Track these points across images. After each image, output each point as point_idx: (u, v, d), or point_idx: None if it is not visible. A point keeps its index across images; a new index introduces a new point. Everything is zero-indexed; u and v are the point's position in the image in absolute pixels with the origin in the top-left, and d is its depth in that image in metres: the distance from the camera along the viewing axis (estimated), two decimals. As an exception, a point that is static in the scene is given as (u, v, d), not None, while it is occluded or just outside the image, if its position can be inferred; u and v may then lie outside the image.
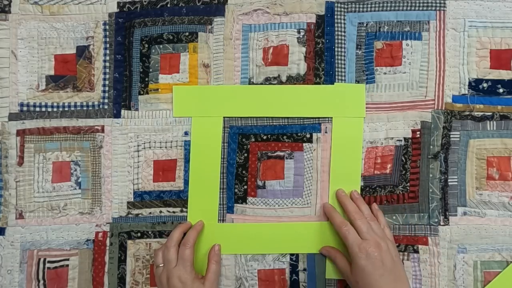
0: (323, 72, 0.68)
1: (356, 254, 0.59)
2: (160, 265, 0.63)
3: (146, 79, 0.70)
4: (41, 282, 0.69)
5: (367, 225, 0.62)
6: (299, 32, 0.69)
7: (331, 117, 0.68)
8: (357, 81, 0.68)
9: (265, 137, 0.69)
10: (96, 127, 0.70)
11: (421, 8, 0.68)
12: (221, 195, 0.69)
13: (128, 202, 0.70)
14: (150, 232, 0.69)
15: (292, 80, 0.69)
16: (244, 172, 0.69)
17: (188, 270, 0.62)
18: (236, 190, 0.69)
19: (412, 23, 0.68)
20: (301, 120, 0.68)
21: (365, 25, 0.68)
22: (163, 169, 0.70)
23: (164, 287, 0.62)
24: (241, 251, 0.68)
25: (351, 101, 0.68)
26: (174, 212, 0.69)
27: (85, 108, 0.70)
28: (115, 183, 0.70)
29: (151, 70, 0.70)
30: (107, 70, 0.70)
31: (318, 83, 0.68)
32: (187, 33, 0.70)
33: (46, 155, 0.70)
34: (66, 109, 0.70)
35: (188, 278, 0.61)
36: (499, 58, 0.67)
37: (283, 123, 0.69)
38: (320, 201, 0.68)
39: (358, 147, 0.67)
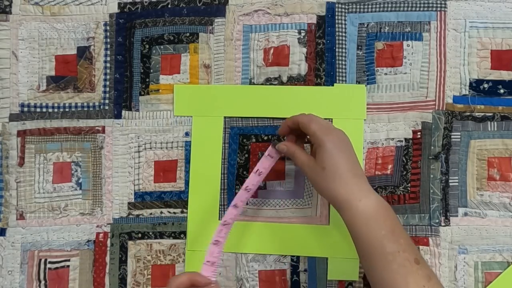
0: (324, 73, 0.68)
1: (321, 136, 0.55)
2: None
3: (147, 79, 0.70)
4: (42, 282, 0.69)
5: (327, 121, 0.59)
6: (300, 33, 0.69)
7: (331, 119, 0.68)
8: (358, 82, 0.68)
9: (266, 138, 0.69)
10: (96, 127, 0.70)
11: (421, 9, 0.68)
12: (222, 196, 0.69)
13: (128, 203, 0.70)
14: (151, 233, 0.69)
15: (293, 80, 0.69)
16: (245, 172, 0.69)
17: None
18: (237, 191, 0.69)
19: (413, 23, 0.68)
20: (302, 121, 0.68)
21: (365, 25, 0.68)
22: (164, 169, 0.69)
23: None
24: (241, 250, 0.68)
25: (352, 103, 0.68)
26: (174, 213, 0.69)
27: (85, 109, 0.70)
28: (115, 183, 0.70)
29: (151, 70, 0.70)
30: (108, 71, 0.70)
31: (319, 84, 0.68)
32: (187, 34, 0.70)
33: (46, 155, 0.70)
34: (67, 109, 0.70)
35: None
36: (500, 59, 0.67)
37: (284, 124, 0.69)
38: (321, 202, 0.68)
39: (358, 148, 0.67)
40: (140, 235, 0.69)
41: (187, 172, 0.69)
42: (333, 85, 0.68)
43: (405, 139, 0.67)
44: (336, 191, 0.55)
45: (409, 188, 0.67)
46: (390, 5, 0.68)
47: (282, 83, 0.69)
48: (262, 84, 0.69)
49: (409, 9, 0.68)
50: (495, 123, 0.67)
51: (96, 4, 0.70)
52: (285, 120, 0.61)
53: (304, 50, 0.69)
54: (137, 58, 0.70)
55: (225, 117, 0.69)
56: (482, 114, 0.67)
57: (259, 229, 0.68)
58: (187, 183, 0.69)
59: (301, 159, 0.58)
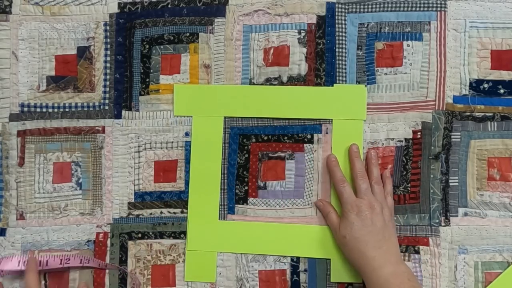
0: (324, 73, 0.68)
1: (348, 210, 0.61)
2: None
3: (147, 79, 0.70)
4: (42, 282, 0.69)
5: (367, 186, 0.63)
6: (300, 33, 0.69)
7: (332, 119, 0.68)
8: (358, 82, 0.68)
9: (266, 138, 0.69)
10: (96, 127, 0.70)
11: (422, 9, 0.68)
12: (222, 196, 0.69)
13: (128, 203, 0.70)
14: (151, 233, 0.69)
15: (293, 80, 0.69)
16: (245, 172, 0.69)
17: None
18: (237, 191, 0.69)
19: (413, 23, 0.68)
20: (302, 121, 0.68)
21: (366, 25, 0.68)
22: (164, 169, 0.69)
23: None
24: (241, 250, 0.68)
25: (352, 103, 0.68)
26: (174, 213, 0.69)
27: (85, 109, 0.70)
28: (115, 183, 0.70)
29: (151, 70, 0.70)
30: (108, 71, 0.70)
31: (319, 84, 0.68)
32: (187, 34, 0.70)
33: (46, 155, 0.70)
34: (67, 109, 0.70)
35: None
36: (500, 59, 0.67)
37: (284, 124, 0.69)
38: (321, 201, 0.68)
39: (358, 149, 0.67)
40: (140, 235, 0.69)
41: (187, 172, 0.69)
42: (333, 85, 0.68)
43: (405, 139, 0.67)
44: (354, 260, 0.61)
45: (409, 188, 0.67)
46: (390, 5, 0.68)
47: (282, 83, 0.69)
48: (262, 84, 0.69)
49: (409, 9, 0.68)
50: (495, 123, 0.67)
51: (96, 4, 0.70)
52: (335, 167, 0.66)
53: (304, 50, 0.69)
54: (137, 58, 0.70)
55: (225, 117, 0.69)
56: (482, 114, 0.67)
57: (259, 229, 0.68)
58: (187, 183, 0.69)
59: (330, 221, 0.65)
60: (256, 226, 0.68)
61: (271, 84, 0.69)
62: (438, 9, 0.67)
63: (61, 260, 0.67)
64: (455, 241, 0.66)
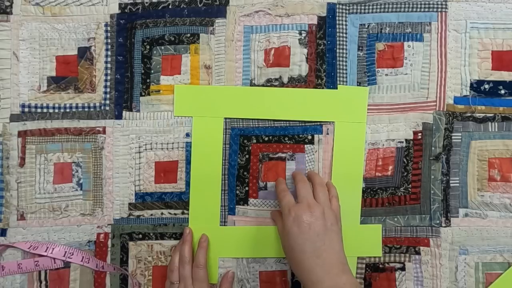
0: (324, 74, 0.68)
1: (285, 215, 0.59)
2: (176, 283, 0.64)
3: (148, 80, 0.70)
4: (43, 283, 0.69)
5: (307, 190, 0.61)
6: (300, 34, 0.69)
7: (334, 122, 0.68)
8: (359, 83, 0.68)
9: (266, 139, 0.69)
10: (97, 128, 0.70)
11: (422, 10, 0.68)
12: (223, 197, 0.69)
13: (129, 204, 0.70)
14: (151, 234, 0.69)
15: (294, 81, 0.69)
16: (245, 173, 0.69)
17: None
18: (237, 192, 0.69)
19: (413, 24, 0.68)
20: (303, 122, 0.68)
21: (366, 26, 0.68)
22: (165, 170, 0.69)
23: None
24: (243, 254, 0.68)
25: (354, 106, 0.67)
26: (175, 214, 0.69)
27: (86, 110, 0.70)
28: (116, 184, 0.70)
29: (152, 71, 0.70)
30: (109, 71, 0.70)
31: (320, 85, 0.68)
32: (188, 35, 0.70)
33: (47, 156, 0.70)
34: (68, 110, 0.70)
35: None
36: (500, 60, 0.67)
37: (285, 125, 0.69)
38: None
39: (360, 150, 0.67)
40: (140, 236, 0.69)
41: (187, 173, 0.69)
42: (335, 87, 0.68)
43: (406, 140, 0.67)
44: (293, 270, 0.58)
45: (409, 189, 0.67)
46: (391, 6, 0.68)
47: (283, 84, 0.69)
48: (263, 85, 0.69)
49: (410, 10, 0.68)
50: (496, 123, 0.67)
51: (97, 5, 0.70)
52: (280, 183, 0.66)
53: (305, 51, 0.69)
54: (137, 59, 0.70)
55: (225, 118, 0.69)
56: (483, 114, 0.67)
57: (260, 233, 0.68)
58: (187, 184, 0.69)
59: (278, 229, 0.64)
60: (257, 230, 0.68)
61: (271, 85, 0.69)
62: (439, 10, 0.67)
63: (65, 252, 0.67)
64: (455, 242, 0.66)
